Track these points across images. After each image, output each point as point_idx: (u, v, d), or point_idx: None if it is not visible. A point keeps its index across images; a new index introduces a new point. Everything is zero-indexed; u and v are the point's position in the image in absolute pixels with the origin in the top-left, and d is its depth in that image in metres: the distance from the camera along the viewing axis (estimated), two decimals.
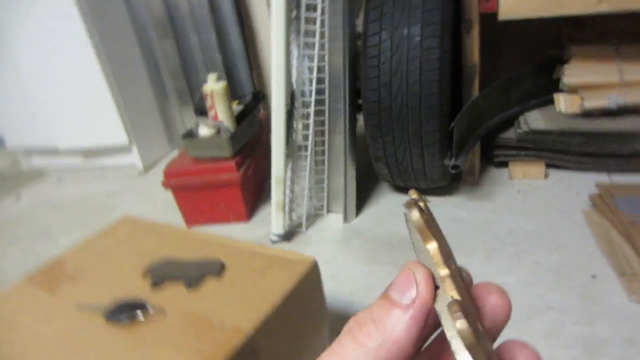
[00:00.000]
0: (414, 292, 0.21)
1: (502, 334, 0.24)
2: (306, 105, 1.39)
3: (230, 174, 1.51)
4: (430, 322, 0.21)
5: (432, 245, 0.22)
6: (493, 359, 0.20)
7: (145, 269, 0.69)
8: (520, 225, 1.39)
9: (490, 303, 0.23)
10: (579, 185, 1.54)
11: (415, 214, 0.23)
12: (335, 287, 1.23)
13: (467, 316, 0.19)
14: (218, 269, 0.66)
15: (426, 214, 0.23)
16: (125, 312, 0.60)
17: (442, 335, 0.23)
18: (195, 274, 0.66)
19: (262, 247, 0.71)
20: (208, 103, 1.49)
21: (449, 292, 0.20)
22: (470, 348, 0.19)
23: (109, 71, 1.99)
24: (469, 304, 0.21)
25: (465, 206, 1.54)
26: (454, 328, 0.19)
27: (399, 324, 0.20)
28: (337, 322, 1.10)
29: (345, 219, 1.53)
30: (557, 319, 1.03)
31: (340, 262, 1.33)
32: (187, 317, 0.59)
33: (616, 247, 1.16)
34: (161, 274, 0.67)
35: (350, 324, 0.22)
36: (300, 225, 1.52)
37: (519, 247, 1.29)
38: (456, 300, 0.20)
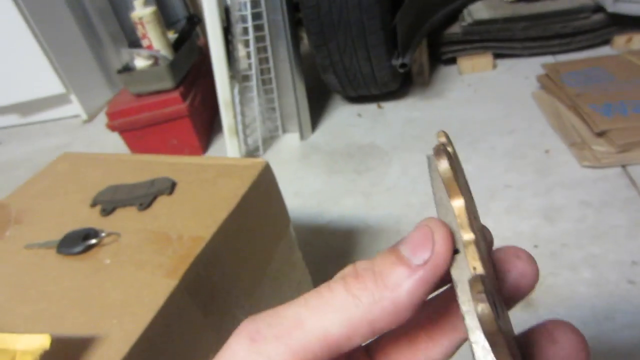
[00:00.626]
0: (427, 254, 0.18)
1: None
2: (244, 19, 1.31)
3: (176, 106, 1.44)
4: (437, 286, 0.18)
5: (459, 203, 0.19)
6: (511, 345, 0.17)
7: (92, 199, 0.65)
8: (473, 116, 1.40)
9: (517, 270, 0.20)
10: (526, 71, 1.55)
11: (444, 164, 0.20)
12: (302, 203, 1.23)
13: (489, 295, 0.16)
14: (169, 187, 0.63)
15: (454, 164, 0.20)
16: (77, 242, 0.57)
17: (446, 294, 0.21)
18: (145, 195, 0.63)
19: (212, 158, 0.68)
20: (139, 32, 1.39)
21: (472, 262, 0.17)
22: (490, 335, 0.16)
23: (30, 19, 1.82)
24: (490, 274, 0.18)
25: (418, 106, 1.53)
26: (472, 307, 0.17)
27: (402, 284, 0.17)
28: (309, 234, 1.11)
29: (302, 137, 1.51)
30: (515, 195, 1.06)
31: (302, 178, 1.33)
32: (143, 236, 0.57)
33: (565, 120, 1.19)
34: (110, 201, 0.64)
35: (347, 270, 0.19)
36: (257, 149, 1.49)
37: (474, 136, 1.31)
38: (480, 277, 0.17)
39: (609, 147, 1.04)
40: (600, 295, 0.80)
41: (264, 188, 0.64)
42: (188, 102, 1.47)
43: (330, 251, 1.03)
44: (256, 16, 1.33)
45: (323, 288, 0.18)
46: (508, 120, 1.34)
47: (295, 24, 1.48)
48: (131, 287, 0.50)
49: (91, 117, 2.05)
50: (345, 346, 0.18)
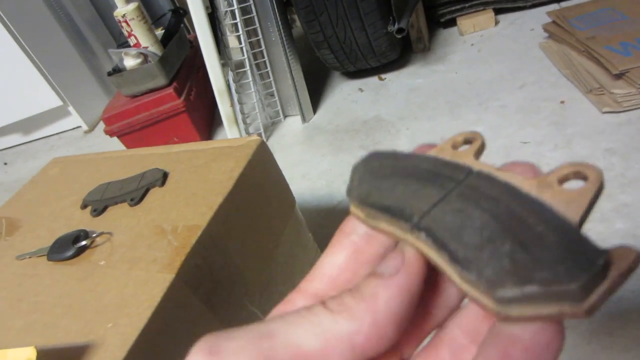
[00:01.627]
0: (399, 261, 0.17)
1: None
2: (230, 3, 1.26)
3: (172, 103, 1.40)
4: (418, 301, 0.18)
5: None
6: None
7: (83, 201, 0.62)
8: (480, 77, 1.34)
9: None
10: (531, 22, 1.47)
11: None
12: (310, 185, 1.18)
13: None
14: (160, 178, 0.59)
15: None
16: (67, 246, 0.53)
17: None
18: (136, 189, 0.59)
19: (204, 143, 0.64)
20: (125, 31, 1.35)
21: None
22: None
23: (19, 36, 1.79)
24: None
25: (421, 73, 1.47)
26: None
27: (378, 295, 0.17)
28: (320, 217, 1.06)
29: (304, 119, 1.45)
30: (534, 152, 1.00)
31: (309, 160, 1.28)
32: (136, 232, 0.52)
33: (578, 67, 1.11)
34: (100, 200, 0.60)
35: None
36: (260, 136, 1.44)
37: (483, 97, 1.24)
38: None
39: (629, 89, 0.97)
40: (637, 245, 0.74)
41: (261, 167, 0.59)
42: (183, 97, 1.43)
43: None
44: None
45: (302, 308, 0.17)
46: (517, 75, 1.27)
47: (285, 4, 1.42)
48: (126, 287, 0.46)
49: (92, 127, 2.02)
50: None
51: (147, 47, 1.36)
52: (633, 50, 1.00)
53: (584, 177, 0.17)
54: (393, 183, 0.19)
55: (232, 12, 1.27)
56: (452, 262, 0.16)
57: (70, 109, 1.98)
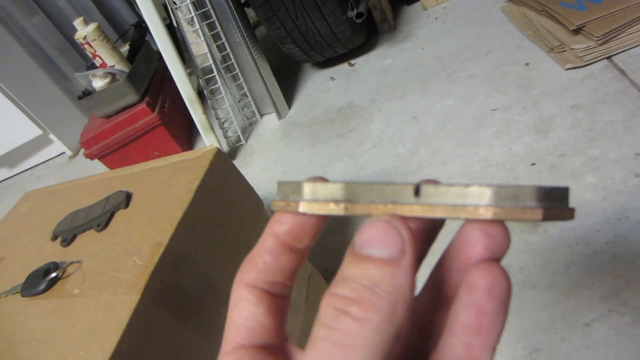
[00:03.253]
0: (399, 241, 0.17)
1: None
2: (188, 10, 1.25)
3: (146, 118, 1.40)
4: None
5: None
6: None
7: (52, 232, 0.62)
8: (446, 49, 1.33)
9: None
10: None
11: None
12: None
13: None
14: (123, 200, 0.60)
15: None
16: (38, 280, 0.54)
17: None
18: (102, 215, 0.60)
19: (165, 159, 0.64)
20: (88, 52, 1.34)
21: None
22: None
23: None
24: None
25: (389, 54, 1.47)
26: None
27: (402, 281, 0.16)
28: None
29: (279, 116, 1.46)
30: (503, 117, 1.01)
31: (288, 156, 1.28)
32: (103, 257, 0.53)
33: (539, 27, 1.11)
34: (69, 230, 0.61)
35: (335, 304, 0.17)
36: (238, 139, 1.45)
37: (450, 69, 1.24)
38: None
39: (588, 42, 0.97)
40: (608, 197, 0.75)
41: (220, 175, 0.60)
42: (157, 111, 1.43)
43: (327, 223, 0.99)
44: (199, 4, 1.27)
45: (325, 333, 0.16)
46: (481, 42, 1.27)
47: (242, 5, 1.42)
48: (96, 313, 0.47)
49: (76, 151, 2.02)
50: None
51: (113, 66, 1.36)
52: (587, 4, 1.00)
53: None
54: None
55: (192, 20, 1.27)
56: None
57: (51, 136, 1.98)
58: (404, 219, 0.17)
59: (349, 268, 0.17)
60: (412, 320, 0.18)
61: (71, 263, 0.54)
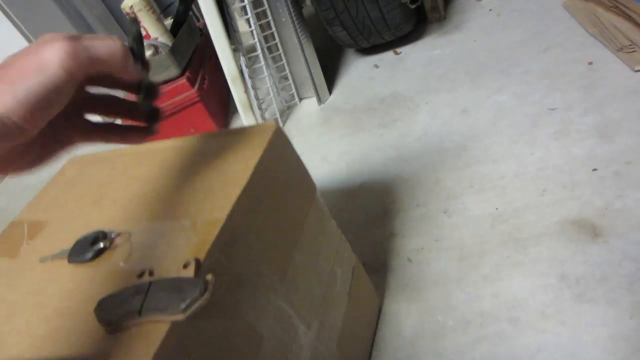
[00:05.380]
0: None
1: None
2: None
3: (186, 93, 1.38)
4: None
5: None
6: None
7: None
8: (500, 43, 1.28)
9: None
10: None
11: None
12: (330, 169, 1.16)
13: None
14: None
15: None
16: (86, 248, 0.52)
17: None
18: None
19: (218, 132, 0.62)
20: None
21: None
22: None
23: (30, 35, 1.79)
24: None
25: (438, 44, 1.42)
26: None
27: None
28: (342, 201, 1.04)
29: (320, 101, 1.42)
30: (563, 118, 0.95)
31: (327, 142, 1.25)
32: (154, 231, 0.51)
33: (607, 24, 1.05)
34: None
35: None
36: (277, 122, 1.42)
37: (504, 63, 1.19)
38: None
39: None
40: None
41: (279, 153, 0.57)
42: (197, 87, 1.41)
43: (367, 214, 0.96)
44: None
45: None
46: (540, 38, 1.21)
47: None
48: None
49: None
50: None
51: (156, 38, 1.34)
52: None
53: None
54: None
55: None
56: None
57: None
58: None
59: None
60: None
61: (120, 234, 0.52)
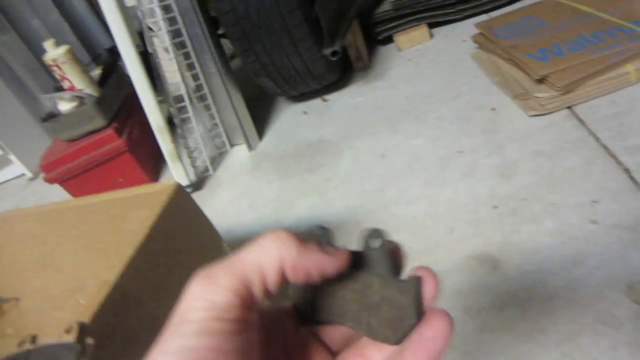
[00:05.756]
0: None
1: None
2: (163, 39, 1.25)
3: (113, 144, 1.38)
4: None
5: None
6: None
7: None
8: (418, 90, 1.36)
9: None
10: (463, 34, 1.52)
11: None
12: (257, 215, 1.17)
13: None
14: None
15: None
16: None
17: None
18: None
19: (123, 191, 0.62)
20: (57, 74, 1.32)
21: None
22: None
23: None
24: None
25: (362, 92, 1.49)
26: None
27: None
28: None
29: (250, 147, 1.45)
30: (469, 159, 1.02)
31: (255, 189, 1.27)
32: (45, 295, 0.50)
33: (506, 74, 1.15)
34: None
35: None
36: (206, 169, 1.43)
37: (420, 110, 1.27)
38: None
39: (551, 92, 1.01)
40: (566, 242, 0.76)
41: (178, 211, 0.58)
42: (125, 137, 1.41)
43: None
44: (176, 33, 1.27)
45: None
46: (452, 86, 1.30)
47: (219, 36, 1.43)
48: None
49: (36, 174, 1.96)
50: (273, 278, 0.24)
51: (82, 90, 1.34)
52: (550, 55, 1.04)
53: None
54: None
55: (167, 48, 1.26)
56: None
57: (12, 157, 1.92)
58: None
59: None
60: None
61: (8, 300, 0.51)
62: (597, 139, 0.93)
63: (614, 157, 0.88)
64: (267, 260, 0.23)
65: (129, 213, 0.57)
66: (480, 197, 0.92)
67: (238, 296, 0.22)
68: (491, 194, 0.91)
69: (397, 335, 0.24)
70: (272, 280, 0.23)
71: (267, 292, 0.24)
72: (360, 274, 0.27)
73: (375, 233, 0.26)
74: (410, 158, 1.11)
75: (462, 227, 0.88)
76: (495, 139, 1.04)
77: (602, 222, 0.77)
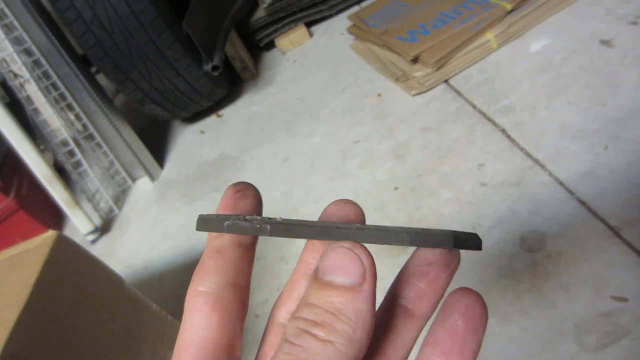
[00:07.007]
0: (360, 267, 0.17)
1: None
2: (28, 86, 1.17)
3: (1, 205, 1.27)
4: None
5: None
6: None
7: None
8: (307, 90, 1.39)
9: None
10: (340, 28, 1.56)
11: None
12: (171, 244, 1.14)
13: None
14: None
15: None
16: None
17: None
18: None
19: (6, 250, 0.58)
20: None
21: None
22: None
23: None
24: None
25: (255, 100, 1.49)
26: None
27: (362, 307, 0.17)
28: (184, 274, 1.02)
29: (152, 178, 1.40)
30: (365, 148, 1.06)
31: (165, 219, 1.23)
32: None
33: (384, 60, 1.20)
34: None
35: (299, 325, 0.17)
36: (111, 209, 1.36)
37: (313, 108, 1.29)
38: None
39: (426, 70, 1.07)
40: (463, 209, 0.81)
41: (64, 262, 0.55)
42: (13, 194, 1.30)
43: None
44: (45, 75, 1.20)
45: (291, 348, 0.17)
46: (338, 79, 1.34)
47: (95, 73, 1.37)
48: None
49: None
50: None
51: None
52: (418, 35, 1.10)
53: None
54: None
55: (38, 93, 1.19)
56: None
57: None
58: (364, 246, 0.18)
59: (312, 294, 0.17)
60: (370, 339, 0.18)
61: None
62: (474, 107, 0.99)
63: (490, 120, 0.94)
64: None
65: (8, 275, 0.53)
66: (381, 182, 0.95)
67: None
68: (390, 176, 0.95)
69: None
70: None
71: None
72: None
73: None
74: (311, 157, 1.13)
75: (370, 213, 0.90)
76: (386, 123, 1.08)
77: (490, 182, 0.83)
